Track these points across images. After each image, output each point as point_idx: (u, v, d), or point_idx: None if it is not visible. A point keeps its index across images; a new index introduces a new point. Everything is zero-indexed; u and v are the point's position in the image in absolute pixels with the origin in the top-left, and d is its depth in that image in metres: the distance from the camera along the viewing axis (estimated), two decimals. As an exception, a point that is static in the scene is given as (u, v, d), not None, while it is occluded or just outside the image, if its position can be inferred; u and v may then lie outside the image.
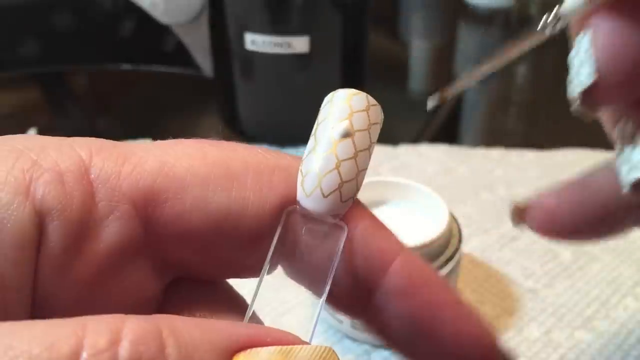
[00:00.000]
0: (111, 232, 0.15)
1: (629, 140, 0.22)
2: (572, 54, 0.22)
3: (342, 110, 0.17)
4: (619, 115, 0.23)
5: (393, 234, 0.17)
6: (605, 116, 0.24)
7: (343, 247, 0.16)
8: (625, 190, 0.22)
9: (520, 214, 0.27)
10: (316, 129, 0.17)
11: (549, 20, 0.22)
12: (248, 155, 0.17)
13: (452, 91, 0.26)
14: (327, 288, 0.16)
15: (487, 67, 0.25)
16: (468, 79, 0.26)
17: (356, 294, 0.17)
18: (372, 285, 0.17)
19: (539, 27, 0.22)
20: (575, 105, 0.22)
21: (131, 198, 0.15)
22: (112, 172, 0.15)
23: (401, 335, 0.17)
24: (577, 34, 0.22)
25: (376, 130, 0.17)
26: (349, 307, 0.18)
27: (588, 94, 0.21)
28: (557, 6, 0.22)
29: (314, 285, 0.17)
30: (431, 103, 0.26)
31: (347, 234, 0.16)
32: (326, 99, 0.17)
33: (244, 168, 0.16)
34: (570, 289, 0.39)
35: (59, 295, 0.15)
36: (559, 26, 0.22)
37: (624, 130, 0.23)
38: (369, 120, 0.17)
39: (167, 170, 0.16)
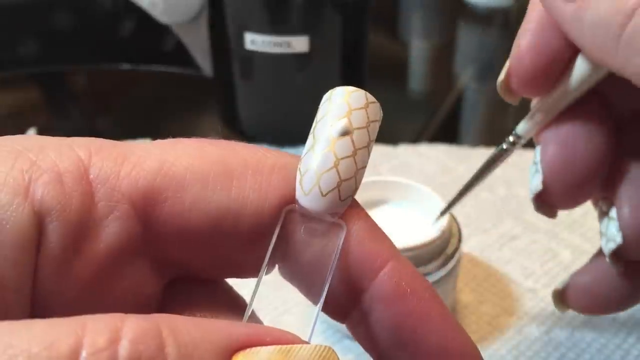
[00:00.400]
0: (110, 232, 0.15)
1: (605, 215, 0.25)
2: (531, 163, 0.26)
3: (341, 107, 0.16)
4: (596, 195, 0.26)
5: (387, 238, 0.17)
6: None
7: (341, 246, 0.16)
8: (607, 259, 0.25)
9: (562, 299, 0.29)
10: (315, 127, 0.17)
11: (510, 140, 0.27)
12: (247, 154, 0.17)
13: (445, 212, 0.32)
14: (327, 286, 0.16)
15: (468, 187, 0.30)
16: (457, 200, 0.31)
17: (343, 296, 0.17)
18: (360, 289, 0.16)
19: (504, 147, 0.27)
20: (534, 207, 0.26)
21: (130, 198, 0.15)
22: (111, 172, 0.15)
23: (384, 343, 0.17)
24: (536, 145, 0.25)
25: (375, 128, 0.17)
26: (334, 309, 0.17)
27: (539, 198, 0.25)
28: (514, 129, 0.26)
29: (310, 286, 0.17)
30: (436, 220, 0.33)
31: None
32: (325, 96, 0.17)
33: (244, 167, 0.16)
34: (570, 289, 0.39)
35: (58, 295, 0.15)
36: (518, 145, 0.27)
37: (601, 208, 0.26)
38: (368, 117, 0.17)
39: (167, 169, 0.16)
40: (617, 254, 0.25)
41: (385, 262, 0.16)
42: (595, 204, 0.26)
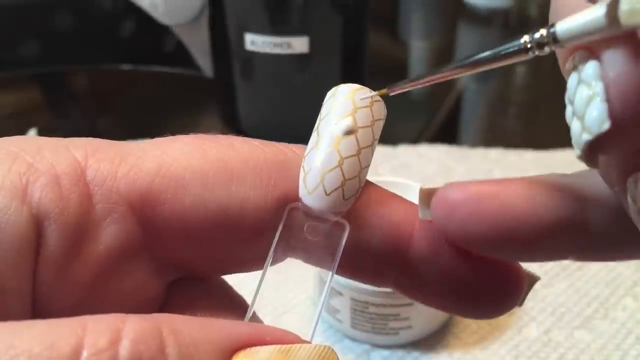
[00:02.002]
0: (109, 233, 0.15)
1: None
2: (571, 88, 0.15)
3: (345, 106, 0.16)
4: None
5: (404, 202, 0.17)
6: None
7: (346, 240, 0.16)
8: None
9: (427, 200, 0.18)
10: (318, 124, 0.17)
11: (538, 36, 0.15)
12: (247, 150, 0.16)
13: (398, 89, 0.19)
14: (328, 286, 0.16)
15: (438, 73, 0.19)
16: (419, 81, 0.19)
17: (386, 268, 0.17)
18: (400, 258, 0.17)
19: (522, 45, 0.15)
20: (582, 156, 0.15)
21: (128, 199, 0.15)
22: (108, 173, 0.15)
23: (435, 291, 0.17)
24: (577, 61, 0.15)
25: (379, 127, 0.17)
26: (380, 281, 0.18)
27: (603, 141, 0.14)
28: (550, 25, 0.15)
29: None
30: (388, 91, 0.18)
31: (359, 221, 0.16)
32: (329, 93, 0.17)
33: (243, 164, 0.16)
34: (570, 289, 0.39)
35: (59, 298, 0.15)
36: (548, 49, 0.15)
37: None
38: (373, 116, 0.16)
39: (165, 170, 0.16)
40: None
41: (412, 226, 0.16)
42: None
